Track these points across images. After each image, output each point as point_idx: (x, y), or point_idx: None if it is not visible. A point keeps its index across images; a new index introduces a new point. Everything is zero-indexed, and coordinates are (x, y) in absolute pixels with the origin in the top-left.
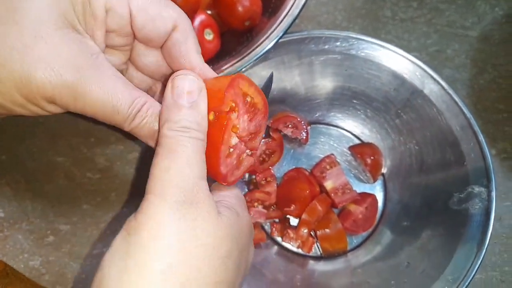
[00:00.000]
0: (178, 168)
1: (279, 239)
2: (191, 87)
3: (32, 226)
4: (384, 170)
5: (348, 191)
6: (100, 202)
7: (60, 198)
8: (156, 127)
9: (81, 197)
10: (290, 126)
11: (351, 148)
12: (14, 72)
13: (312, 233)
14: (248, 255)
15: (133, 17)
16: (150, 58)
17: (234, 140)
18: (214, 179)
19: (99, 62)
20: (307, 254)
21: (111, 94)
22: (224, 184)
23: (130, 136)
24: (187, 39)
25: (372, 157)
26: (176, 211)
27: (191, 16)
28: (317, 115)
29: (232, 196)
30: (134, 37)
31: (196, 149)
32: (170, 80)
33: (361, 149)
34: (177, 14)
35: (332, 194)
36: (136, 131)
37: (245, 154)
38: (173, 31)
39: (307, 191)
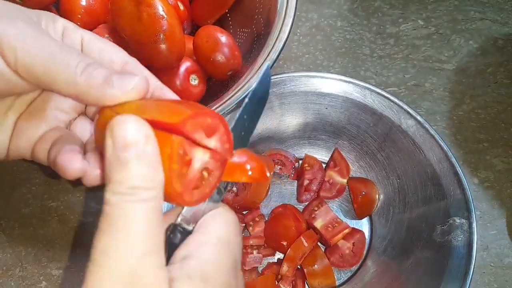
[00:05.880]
0: (119, 248)
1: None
2: (134, 135)
3: (25, 272)
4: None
5: (337, 224)
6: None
7: (53, 242)
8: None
9: (74, 241)
10: (278, 163)
11: (349, 180)
12: None
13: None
14: None
15: None
16: None
17: (194, 153)
18: (169, 201)
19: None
20: None
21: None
22: (184, 205)
23: None
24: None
25: (363, 193)
26: None
27: (177, 62)
28: (302, 150)
29: (207, 245)
30: None
31: (145, 216)
32: (108, 129)
33: (355, 184)
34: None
35: (323, 232)
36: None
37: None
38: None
39: (293, 228)
